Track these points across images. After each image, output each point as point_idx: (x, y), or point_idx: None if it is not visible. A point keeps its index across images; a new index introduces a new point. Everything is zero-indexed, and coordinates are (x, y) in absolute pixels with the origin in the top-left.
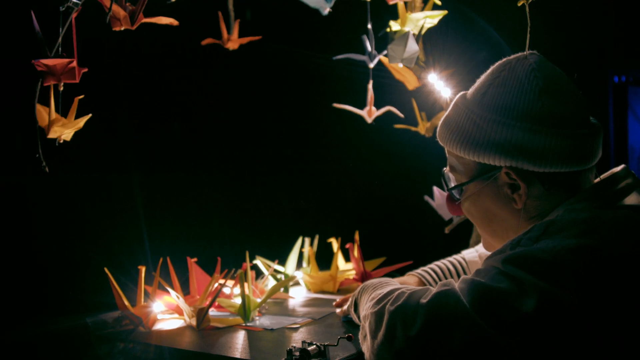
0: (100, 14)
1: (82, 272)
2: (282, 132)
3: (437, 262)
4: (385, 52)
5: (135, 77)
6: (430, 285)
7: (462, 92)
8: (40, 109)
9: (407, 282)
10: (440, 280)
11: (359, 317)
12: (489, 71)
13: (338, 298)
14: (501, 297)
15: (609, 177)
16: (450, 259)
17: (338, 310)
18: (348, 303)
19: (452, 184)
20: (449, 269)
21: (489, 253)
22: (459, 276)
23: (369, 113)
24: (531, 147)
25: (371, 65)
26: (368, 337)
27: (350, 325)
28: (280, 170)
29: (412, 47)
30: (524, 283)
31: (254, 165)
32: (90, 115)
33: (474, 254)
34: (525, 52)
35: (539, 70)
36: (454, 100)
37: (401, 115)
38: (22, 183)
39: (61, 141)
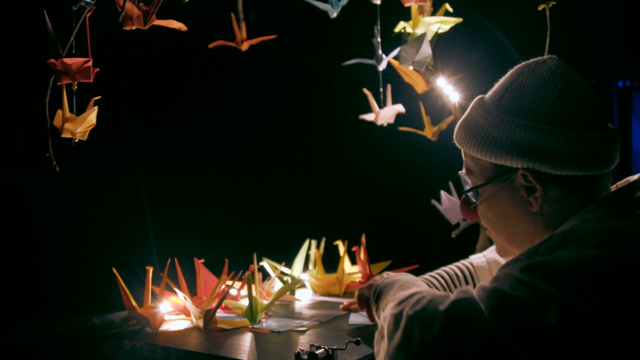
0: (113, 12)
1: (88, 272)
2: (290, 134)
3: (445, 268)
4: (393, 53)
5: (143, 77)
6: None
7: (480, 96)
8: (59, 112)
9: None
10: (448, 286)
11: (377, 308)
12: (507, 74)
13: (345, 301)
14: (520, 306)
15: (626, 185)
16: (458, 264)
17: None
18: (366, 291)
19: (468, 187)
20: (457, 275)
21: (497, 258)
22: (466, 282)
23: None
24: (548, 149)
25: (380, 68)
26: (385, 337)
27: (357, 329)
28: (287, 172)
29: (426, 50)
30: (544, 293)
31: (262, 167)
32: (96, 108)
33: (482, 259)
34: (544, 56)
35: (558, 73)
36: (472, 103)
37: (403, 110)
38: (27, 181)
39: (77, 140)
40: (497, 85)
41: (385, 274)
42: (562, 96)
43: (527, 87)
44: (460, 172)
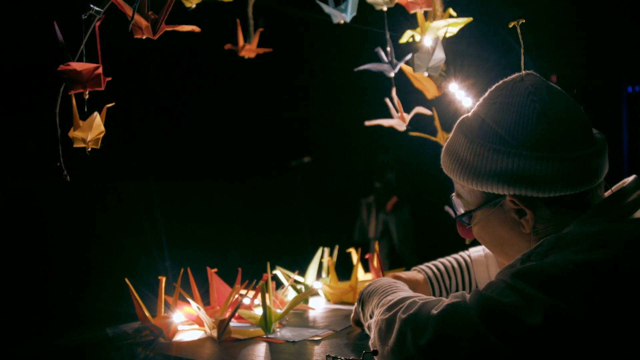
0: (122, 21)
1: (100, 282)
2: (303, 141)
3: (442, 259)
4: (405, 59)
5: (153, 86)
6: (432, 281)
7: (462, 117)
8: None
9: (413, 277)
10: (442, 277)
11: (363, 314)
12: (486, 95)
13: None
14: (508, 311)
15: (620, 190)
16: (456, 255)
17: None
18: (355, 305)
19: (461, 210)
20: (452, 266)
21: None
22: (462, 274)
23: (402, 119)
24: (533, 175)
25: (392, 75)
26: (377, 342)
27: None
28: (300, 181)
29: (439, 55)
30: (531, 297)
31: (275, 176)
32: (96, 113)
33: (481, 253)
34: (521, 73)
35: (535, 93)
36: (455, 125)
37: (429, 113)
38: (38, 190)
39: (89, 149)
40: (477, 107)
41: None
42: (542, 117)
43: (505, 111)
44: (452, 195)
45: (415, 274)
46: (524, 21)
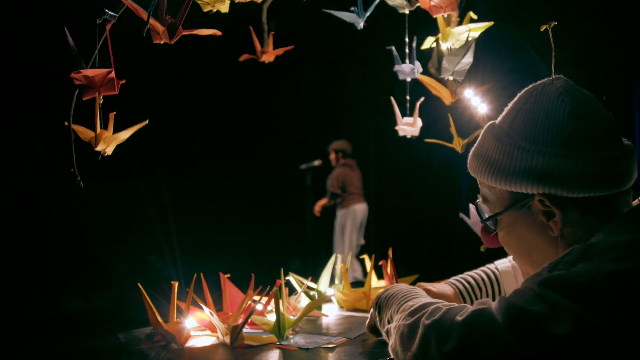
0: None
1: (112, 287)
2: (316, 149)
3: (470, 272)
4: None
5: (162, 88)
6: (463, 295)
7: (491, 122)
8: (78, 128)
9: (443, 291)
10: (474, 290)
11: (380, 320)
12: (516, 98)
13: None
14: (535, 320)
15: None
16: (484, 268)
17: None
18: (370, 311)
19: (486, 215)
20: (482, 279)
21: None
22: (492, 287)
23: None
24: (563, 173)
25: (408, 79)
26: (399, 348)
27: (386, 345)
28: (312, 187)
29: (467, 59)
30: (558, 306)
31: (287, 184)
32: (138, 126)
33: (507, 264)
34: (551, 77)
35: (566, 94)
36: (483, 129)
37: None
38: (47, 191)
39: (105, 154)
40: (506, 110)
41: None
42: (572, 118)
43: (536, 111)
44: (477, 200)
45: (444, 287)
46: (555, 24)
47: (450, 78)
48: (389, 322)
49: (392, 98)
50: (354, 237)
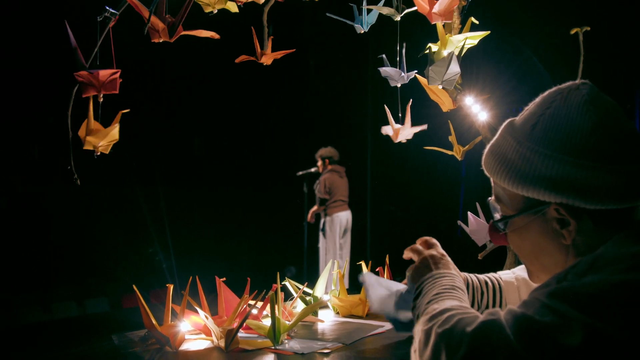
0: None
1: (108, 288)
2: (313, 156)
3: (476, 275)
4: (416, 71)
5: (160, 93)
6: (468, 290)
7: (510, 119)
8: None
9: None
10: (477, 291)
11: (414, 306)
12: (538, 100)
13: (370, 322)
14: (545, 331)
15: None
16: (488, 275)
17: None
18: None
19: (498, 215)
20: (486, 283)
21: (525, 276)
22: (494, 293)
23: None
24: (582, 184)
25: (399, 84)
26: (418, 353)
27: (383, 350)
28: (309, 191)
29: (454, 69)
30: (569, 317)
31: (286, 188)
32: (117, 124)
33: (511, 275)
34: (577, 82)
35: (591, 102)
36: (502, 127)
37: (424, 127)
38: (44, 194)
39: (98, 153)
40: (527, 112)
41: (436, 257)
42: (597, 128)
43: (559, 117)
44: (489, 198)
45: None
46: (588, 29)
47: (440, 87)
48: (417, 315)
49: (385, 107)
50: (337, 245)
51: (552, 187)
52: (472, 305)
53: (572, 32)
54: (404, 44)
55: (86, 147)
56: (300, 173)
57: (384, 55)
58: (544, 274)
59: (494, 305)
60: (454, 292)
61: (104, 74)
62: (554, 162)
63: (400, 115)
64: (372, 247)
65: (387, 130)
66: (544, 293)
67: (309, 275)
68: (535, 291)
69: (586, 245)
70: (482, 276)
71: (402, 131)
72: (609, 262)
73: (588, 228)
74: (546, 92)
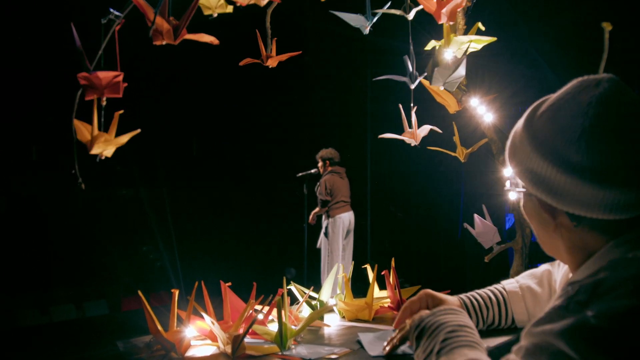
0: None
1: (107, 291)
2: (314, 158)
3: (478, 291)
4: (424, 75)
5: (161, 96)
6: (469, 309)
7: (534, 109)
8: (79, 125)
9: (448, 298)
10: (480, 308)
11: (417, 346)
12: (563, 89)
13: (378, 326)
14: None
15: None
16: (491, 288)
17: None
18: (405, 328)
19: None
20: (490, 298)
21: (531, 285)
22: (499, 307)
23: (414, 136)
24: (557, 188)
25: (412, 86)
26: None
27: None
28: (313, 196)
29: (460, 72)
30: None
31: (289, 192)
32: (138, 131)
33: (515, 285)
34: (600, 75)
35: (599, 104)
36: (526, 113)
37: (440, 131)
38: (44, 197)
39: (103, 157)
40: (546, 105)
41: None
42: (586, 137)
43: (557, 118)
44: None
45: (451, 297)
46: (611, 28)
47: (442, 88)
48: (424, 354)
49: (400, 106)
50: (340, 247)
51: (529, 180)
52: (477, 325)
53: (604, 24)
54: (411, 43)
55: (93, 152)
56: (300, 174)
57: (406, 57)
58: (546, 248)
59: (500, 319)
60: (463, 331)
61: (105, 76)
62: (552, 169)
63: (402, 117)
64: (373, 248)
65: (388, 135)
66: (552, 333)
67: (310, 277)
68: (537, 327)
69: (575, 241)
70: (485, 291)
71: (417, 133)
72: (611, 288)
73: (567, 224)
74: (570, 83)
